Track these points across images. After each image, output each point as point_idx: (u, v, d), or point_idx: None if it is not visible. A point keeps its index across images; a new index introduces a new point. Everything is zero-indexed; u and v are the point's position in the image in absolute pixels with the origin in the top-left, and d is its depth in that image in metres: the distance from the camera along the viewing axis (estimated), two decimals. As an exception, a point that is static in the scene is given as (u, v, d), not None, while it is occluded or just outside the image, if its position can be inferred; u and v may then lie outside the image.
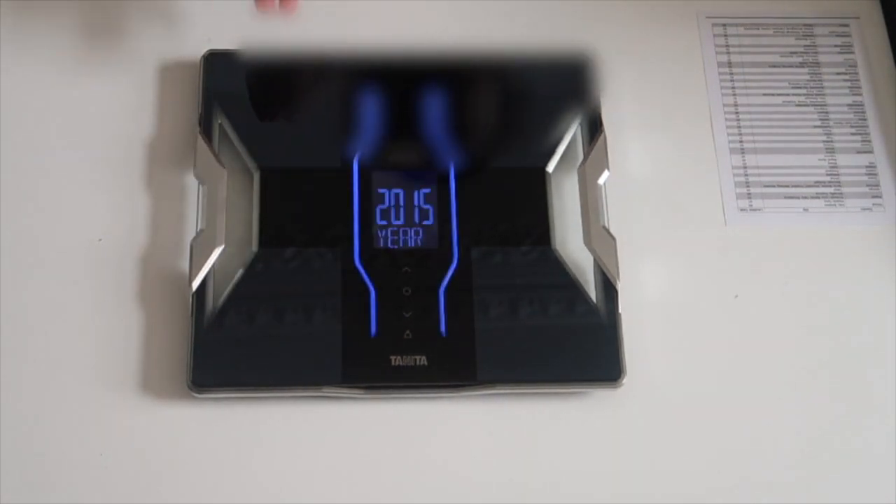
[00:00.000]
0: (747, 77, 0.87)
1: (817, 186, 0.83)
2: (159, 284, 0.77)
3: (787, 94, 0.86)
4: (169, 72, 0.84)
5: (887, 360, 0.78)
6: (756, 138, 0.85)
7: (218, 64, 0.82)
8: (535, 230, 0.79)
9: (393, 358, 0.75)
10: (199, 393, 0.73)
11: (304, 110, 0.82)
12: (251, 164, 0.80)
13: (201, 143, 0.79)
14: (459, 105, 0.82)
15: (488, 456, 0.75)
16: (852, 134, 0.85)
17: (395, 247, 0.78)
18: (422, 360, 0.75)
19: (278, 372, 0.74)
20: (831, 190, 0.83)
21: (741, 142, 0.84)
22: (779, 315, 0.79)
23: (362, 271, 0.77)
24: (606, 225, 0.79)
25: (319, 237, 0.78)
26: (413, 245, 0.78)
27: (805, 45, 0.88)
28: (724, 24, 0.88)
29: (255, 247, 0.77)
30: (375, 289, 0.76)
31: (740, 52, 0.87)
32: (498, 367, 0.75)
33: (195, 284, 0.75)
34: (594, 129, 0.82)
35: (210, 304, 0.76)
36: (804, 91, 0.86)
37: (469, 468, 0.74)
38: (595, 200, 0.79)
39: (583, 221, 0.79)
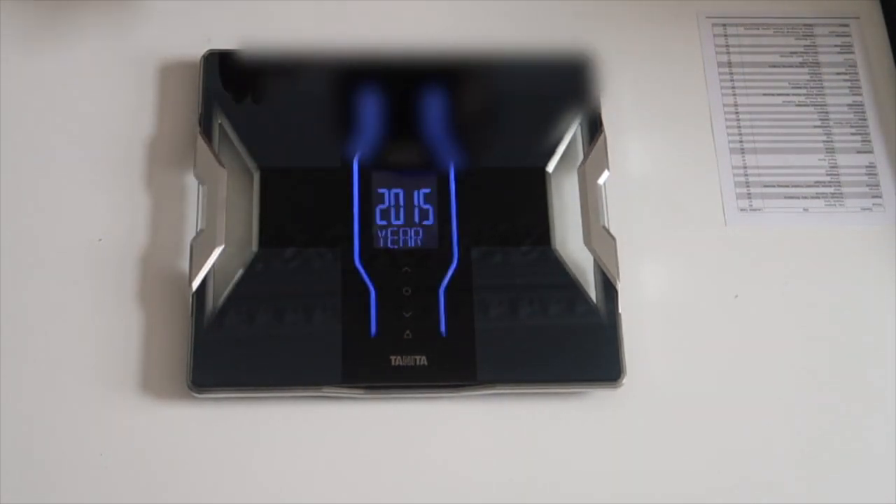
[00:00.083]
0: (747, 77, 0.87)
1: (817, 186, 0.83)
2: (159, 284, 0.77)
3: (787, 94, 0.86)
4: (169, 72, 0.84)
5: (887, 360, 0.78)
6: (756, 138, 0.85)
7: (218, 64, 0.82)
8: (535, 230, 0.79)
9: (393, 358, 0.75)
10: (199, 393, 0.73)
11: (304, 110, 0.82)
12: (251, 164, 0.80)
13: (201, 143, 0.79)
14: (459, 105, 0.82)
15: (488, 456, 0.75)
16: (852, 134, 0.85)
17: (395, 247, 0.78)
18: (422, 360, 0.75)
19: (278, 372, 0.74)
20: (831, 190, 0.83)
21: (741, 142, 0.84)
22: (779, 315, 0.79)
23: (362, 271, 0.77)
24: (606, 225, 0.79)
25: (319, 237, 0.78)
26: (413, 245, 0.78)
27: (805, 45, 0.88)
28: (724, 24, 0.88)
29: (255, 247, 0.77)
30: (375, 289, 0.76)
31: (740, 52, 0.87)
32: (498, 367, 0.75)
33: (195, 284, 0.75)
34: (594, 129, 0.82)
35: (210, 304, 0.76)
36: (804, 91, 0.86)
37: (469, 468, 0.74)
38: (595, 200, 0.79)
39: (583, 221, 0.79)
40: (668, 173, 0.83)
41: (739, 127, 0.85)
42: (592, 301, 0.77)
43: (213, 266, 0.76)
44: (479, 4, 0.88)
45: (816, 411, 0.77)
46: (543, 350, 0.76)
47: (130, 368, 0.75)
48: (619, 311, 0.77)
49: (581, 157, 0.81)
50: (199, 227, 0.77)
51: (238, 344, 0.75)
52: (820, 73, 0.87)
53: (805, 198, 0.83)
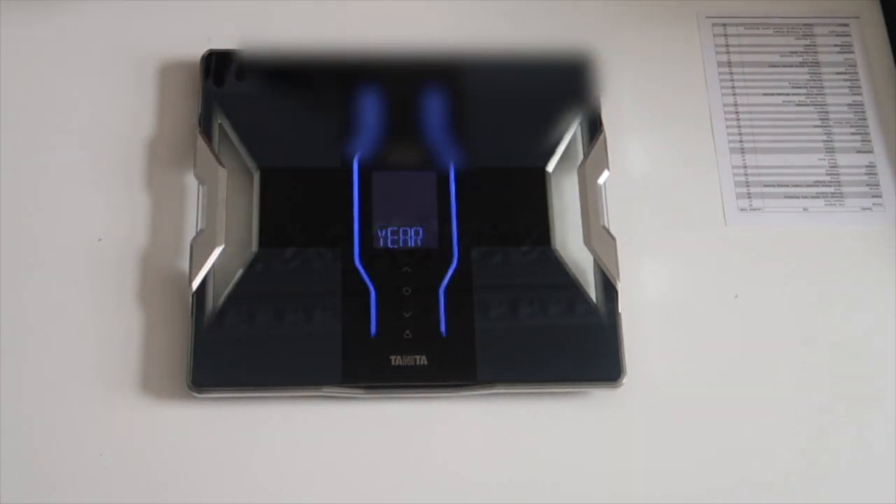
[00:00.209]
0: (747, 77, 0.87)
1: (817, 186, 0.83)
2: (159, 284, 0.77)
3: (787, 94, 0.86)
4: (169, 72, 0.84)
5: (887, 360, 0.78)
6: (756, 138, 0.85)
7: (218, 64, 0.82)
8: (535, 230, 0.79)
9: (393, 358, 0.75)
10: (199, 393, 0.73)
11: (303, 110, 0.82)
12: (251, 164, 0.80)
13: (201, 143, 0.79)
14: (459, 105, 0.82)
15: (488, 456, 0.75)
16: (852, 134, 0.85)
17: (395, 247, 0.78)
18: (422, 359, 0.75)
19: (278, 372, 0.74)
20: (831, 190, 0.83)
21: (741, 142, 0.84)
22: (779, 315, 0.79)
23: (362, 271, 0.77)
24: (606, 225, 0.79)
25: (319, 237, 0.78)
26: (413, 245, 0.78)
27: (805, 45, 0.88)
28: (724, 24, 0.88)
29: (255, 247, 0.77)
30: (375, 289, 0.76)
31: (740, 52, 0.87)
32: (498, 367, 0.75)
33: (195, 284, 0.75)
34: (594, 128, 0.82)
35: (210, 304, 0.76)
36: (804, 91, 0.86)
37: (469, 468, 0.74)
38: (595, 200, 0.79)
39: (583, 221, 0.79)
40: (668, 173, 0.83)
41: (739, 127, 0.85)
42: (592, 301, 0.77)
43: (213, 266, 0.76)
44: (479, 4, 0.88)
45: (816, 411, 0.77)
46: (543, 350, 0.76)
47: (130, 368, 0.75)
48: (619, 311, 0.77)
49: (581, 157, 0.81)
50: (199, 227, 0.77)
51: (238, 344, 0.75)
52: (820, 73, 0.87)
53: (805, 198, 0.83)
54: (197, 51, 0.83)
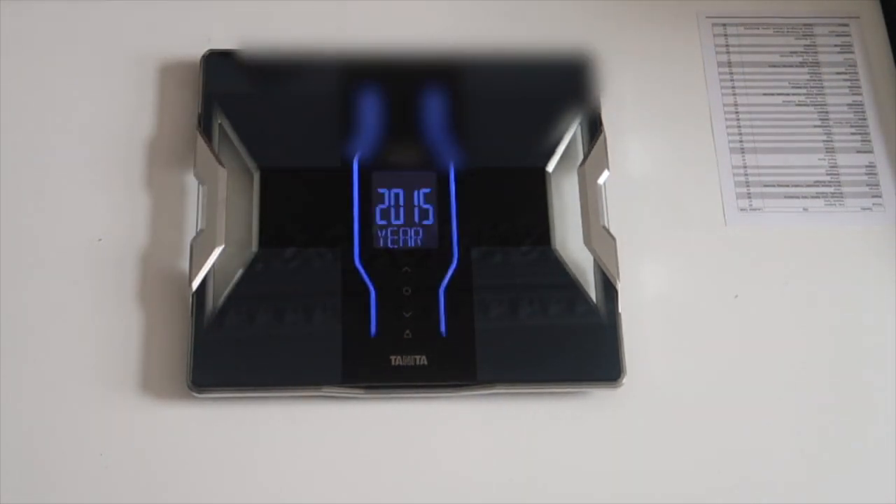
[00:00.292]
0: (747, 77, 0.87)
1: (817, 186, 0.83)
2: (159, 284, 0.77)
3: (787, 94, 0.86)
4: (169, 72, 0.84)
5: (887, 360, 0.78)
6: (756, 138, 0.85)
7: (218, 64, 0.82)
8: (535, 230, 0.79)
9: (393, 358, 0.75)
10: (199, 393, 0.73)
11: (303, 110, 0.82)
12: (251, 164, 0.80)
13: (201, 142, 0.79)
14: (459, 105, 0.82)
15: (488, 456, 0.75)
16: (852, 134, 0.85)
17: (395, 247, 0.78)
18: (422, 359, 0.75)
19: (278, 372, 0.74)
20: (831, 190, 0.83)
21: (741, 142, 0.84)
22: (779, 315, 0.79)
23: (362, 271, 0.77)
24: (606, 225, 0.79)
25: (319, 237, 0.78)
26: (413, 245, 0.78)
27: (805, 45, 0.88)
28: (724, 24, 0.88)
29: (255, 247, 0.77)
30: (375, 289, 0.76)
31: (740, 52, 0.87)
32: (498, 367, 0.75)
33: (195, 284, 0.75)
34: (594, 128, 0.82)
35: (210, 304, 0.76)
36: (804, 91, 0.86)
37: (469, 468, 0.74)
38: (595, 200, 0.79)
39: (583, 221, 0.79)
40: (668, 173, 0.83)
41: (739, 127, 0.85)
42: (592, 301, 0.77)
43: (213, 266, 0.76)
44: (478, 4, 0.88)
45: (816, 411, 0.77)
46: (543, 350, 0.76)
47: (130, 368, 0.75)
48: (619, 310, 0.77)
49: (581, 157, 0.81)
50: (199, 227, 0.77)
51: (238, 344, 0.75)
52: (820, 73, 0.87)
53: (805, 197, 0.83)
54: (197, 51, 0.83)
